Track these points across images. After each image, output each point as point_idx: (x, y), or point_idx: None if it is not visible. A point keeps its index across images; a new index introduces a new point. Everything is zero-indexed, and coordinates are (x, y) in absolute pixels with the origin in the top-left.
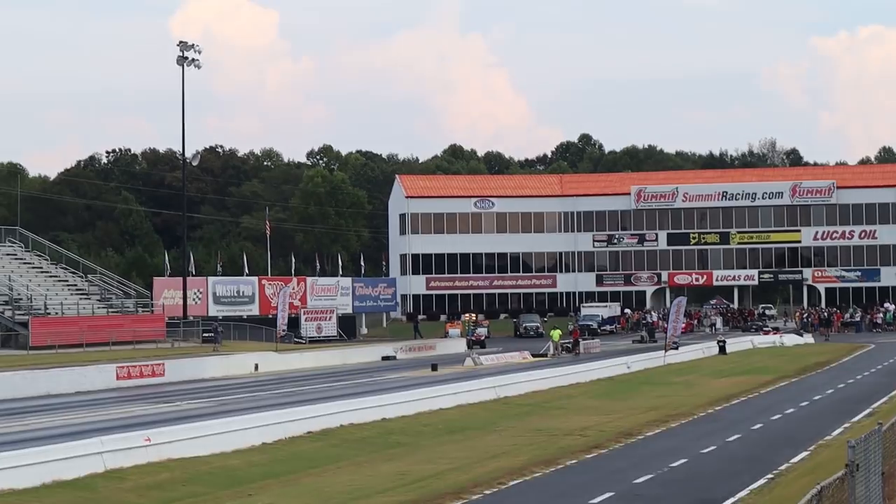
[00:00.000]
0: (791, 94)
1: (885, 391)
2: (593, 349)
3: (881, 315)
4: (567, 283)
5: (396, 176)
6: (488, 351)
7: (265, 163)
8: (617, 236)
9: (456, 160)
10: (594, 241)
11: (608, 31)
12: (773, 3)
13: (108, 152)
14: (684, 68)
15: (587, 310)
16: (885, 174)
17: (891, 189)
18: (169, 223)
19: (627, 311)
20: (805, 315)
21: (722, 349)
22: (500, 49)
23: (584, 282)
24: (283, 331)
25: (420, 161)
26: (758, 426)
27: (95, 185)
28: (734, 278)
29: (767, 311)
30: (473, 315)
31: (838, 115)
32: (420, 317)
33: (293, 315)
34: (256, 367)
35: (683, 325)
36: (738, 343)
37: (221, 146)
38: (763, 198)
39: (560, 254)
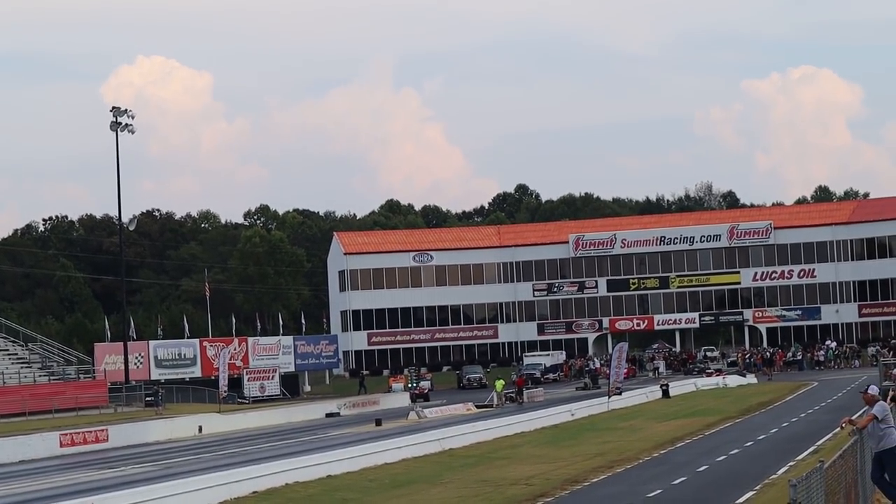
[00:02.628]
0: (726, 137)
1: (829, 428)
2: (537, 398)
3: (823, 353)
4: (509, 332)
5: (334, 233)
6: (432, 404)
7: (203, 225)
8: (557, 285)
9: (393, 215)
10: (534, 290)
11: (540, 81)
12: (703, 48)
13: (44, 220)
14: (618, 115)
15: (530, 359)
16: (822, 213)
17: (828, 227)
18: (108, 288)
19: (572, 360)
20: (747, 355)
21: (665, 392)
22: (434, 103)
23: (525, 331)
24: (225, 392)
25: (358, 217)
26: (703, 468)
27: (33, 254)
28: (675, 322)
29: (709, 353)
30: (417, 369)
31: (774, 155)
32: (363, 372)
33: (236, 375)
34: (200, 428)
35: (626, 370)
36: (682, 386)
37: (158, 210)
38: (701, 241)
39: (501, 304)
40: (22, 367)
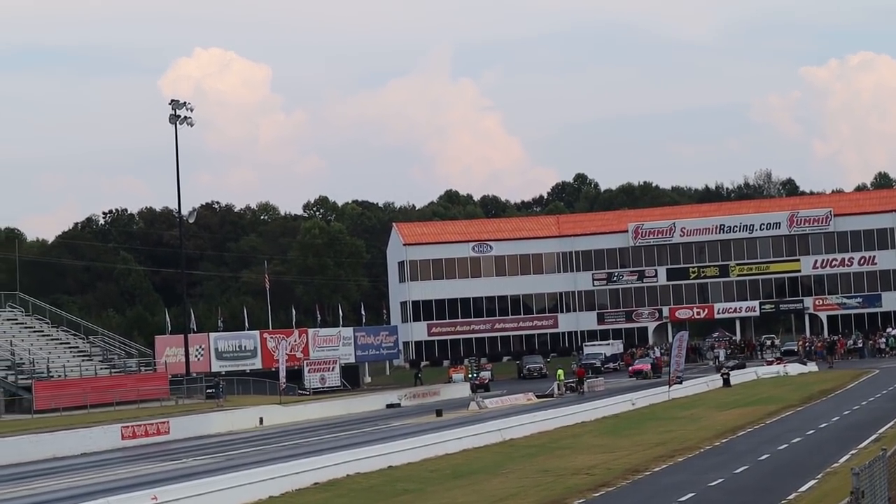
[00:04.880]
0: (784, 125)
1: (890, 416)
2: (597, 387)
3: (884, 340)
4: (568, 322)
5: (393, 224)
6: (492, 394)
7: (262, 217)
8: (616, 274)
9: (452, 205)
10: (594, 279)
11: (598, 70)
12: (761, 36)
13: (104, 213)
14: (676, 104)
15: (590, 348)
16: (882, 199)
17: (888, 214)
18: (168, 281)
19: (632, 349)
20: (808, 343)
21: (726, 381)
22: (492, 93)
23: (585, 321)
24: (284, 383)
25: (416, 208)
26: (765, 457)
27: (93, 247)
28: (735, 310)
29: (770, 342)
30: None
31: (832, 143)
32: (423, 363)
33: (296, 367)
34: (261, 420)
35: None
36: (742, 374)
37: (218, 202)
38: (761, 229)
39: (560, 294)
40: (83, 361)
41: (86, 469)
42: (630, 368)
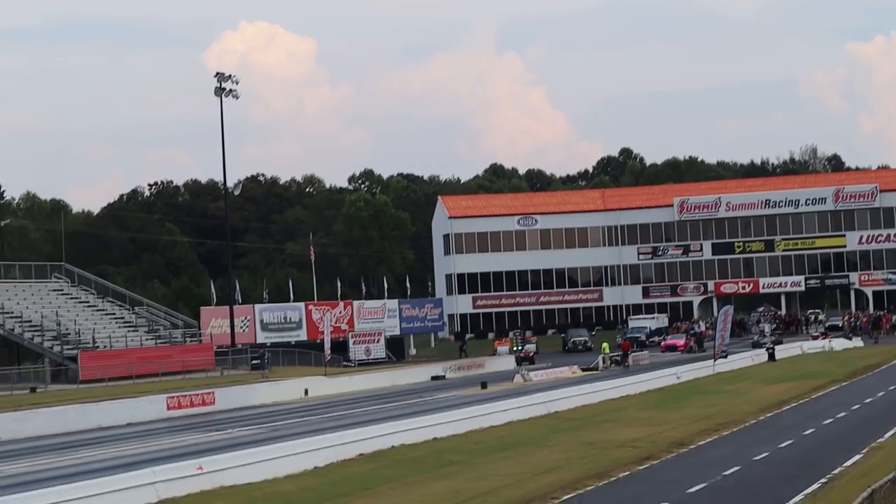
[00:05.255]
0: (830, 100)
1: None
2: (642, 361)
3: None
4: (613, 296)
5: (439, 197)
6: (537, 367)
7: (307, 189)
8: (661, 248)
9: (497, 179)
10: (639, 253)
11: (644, 44)
12: (808, 11)
13: (150, 185)
14: (722, 78)
15: (635, 322)
16: None
17: None
18: (214, 253)
19: (676, 323)
20: (853, 319)
21: (771, 356)
22: (537, 67)
23: (630, 294)
24: (329, 355)
25: (462, 181)
26: (810, 431)
27: (139, 218)
28: (781, 285)
29: (815, 317)
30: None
31: (878, 118)
32: (468, 335)
33: (341, 339)
34: (306, 391)
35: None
36: (787, 349)
37: (263, 174)
38: (806, 204)
39: (605, 268)
40: (129, 331)
41: (131, 439)
42: (662, 344)
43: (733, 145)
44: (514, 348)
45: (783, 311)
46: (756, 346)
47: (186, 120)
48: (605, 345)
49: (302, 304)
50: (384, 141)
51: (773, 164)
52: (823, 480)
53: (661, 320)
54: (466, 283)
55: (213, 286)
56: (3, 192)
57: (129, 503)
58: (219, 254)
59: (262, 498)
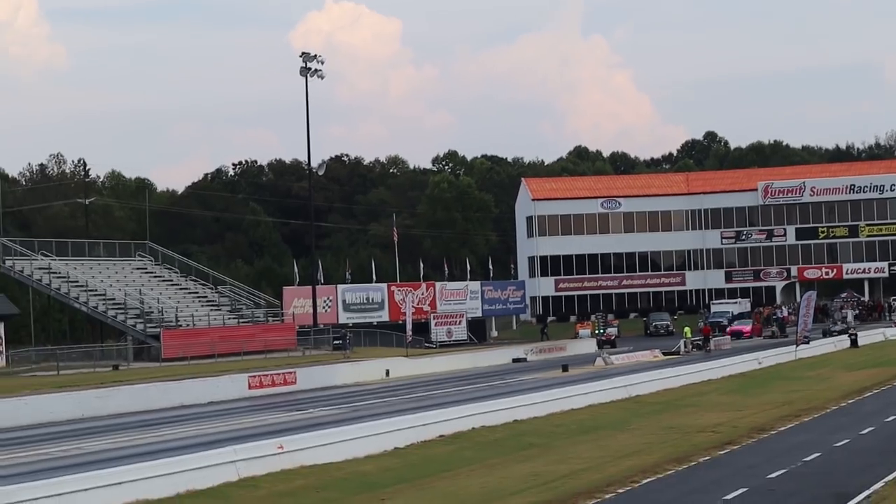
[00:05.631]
0: None
1: None
2: (724, 346)
3: None
4: (696, 280)
5: (522, 179)
6: (619, 350)
7: (391, 170)
8: (745, 232)
9: (581, 161)
10: (722, 237)
11: (730, 27)
12: None
13: (234, 164)
14: (808, 62)
15: (717, 306)
16: None
17: None
18: (297, 232)
19: (759, 308)
20: None
21: (854, 342)
22: (622, 49)
23: (713, 279)
24: (411, 336)
25: (545, 163)
26: (892, 418)
27: (223, 198)
28: (864, 271)
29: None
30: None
31: None
32: (549, 318)
33: (423, 320)
34: (387, 372)
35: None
36: (870, 335)
37: (347, 155)
38: (892, 189)
39: (688, 252)
40: (212, 310)
41: (213, 417)
42: (728, 329)
43: (818, 130)
44: (596, 331)
45: (866, 298)
46: (827, 333)
47: (271, 100)
48: (686, 329)
49: (384, 285)
50: (468, 122)
51: (858, 149)
52: None
53: (744, 305)
54: (549, 265)
55: (295, 266)
56: (89, 170)
57: (209, 481)
58: (302, 234)
59: (341, 478)
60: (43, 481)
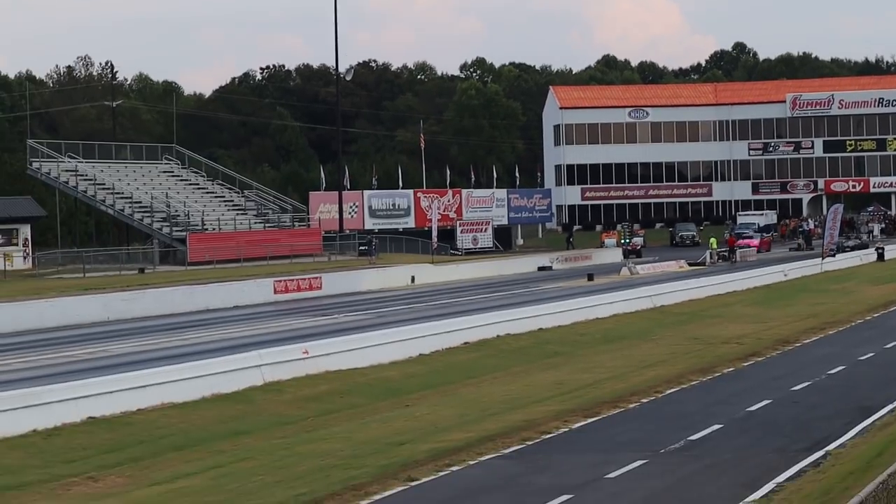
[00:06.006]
0: None
1: None
2: (749, 257)
3: None
4: (723, 191)
5: (550, 87)
6: (644, 260)
7: (419, 76)
8: (772, 144)
9: (609, 70)
10: (750, 149)
11: None
12: None
13: (262, 69)
14: None
15: (743, 218)
16: None
17: None
18: (324, 138)
19: (785, 220)
20: None
21: (880, 256)
22: None
23: (739, 190)
24: (436, 243)
25: (573, 72)
26: None
27: (250, 102)
28: (891, 185)
29: None
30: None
31: None
32: (575, 227)
33: (449, 227)
34: (412, 279)
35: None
36: None
37: (375, 61)
38: None
39: (715, 163)
40: (237, 214)
41: (238, 322)
42: (737, 242)
43: (848, 42)
44: (622, 241)
45: (893, 212)
46: (840, 248)
47: (300, 5)
48: (712, 240)
49: (410, 192)
50: (497, 29)
51: (887, 62)
52: None
53: (770, 217)
54: (576, 174)
55: (322, 171)
56: (116, 72)
57: (234, 385)
58: (329, 139)
59: (366, 384)
60: (69, 384)
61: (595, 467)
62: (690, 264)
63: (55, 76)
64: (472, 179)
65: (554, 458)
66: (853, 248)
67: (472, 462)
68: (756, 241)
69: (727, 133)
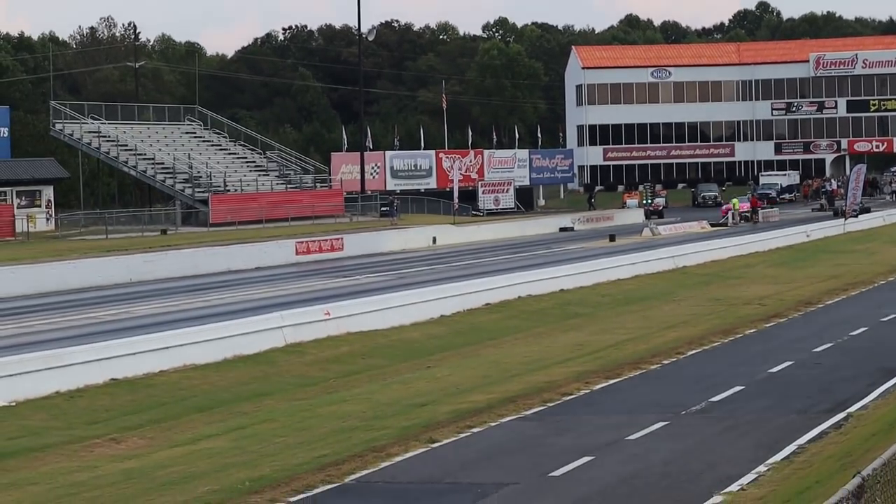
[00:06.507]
0: None
1: None
2: (772, 218)
3: None
4: (745, 151)
5: (572, 47)
6: (666, 221)
7: (441, 37)
8: (795, 104)
9: (632, 30)
10: (772, 109)
11: None
12: None
13: (284, 29)
14: None
15: (765, 178)
16: None
17: None
18: (346, 98)
19: (808, 181)
20: None
21: None
22: None
23: (762, 150)
24: (458, 203)
25: (596, 32)
26: None
27: (272, 63)
28: None
29: None
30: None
31: None
32: (597, 187)
33: (470, 188)
34: (434, 240)
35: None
36: None
37: (397, 20)
38: None
39: (738, 122)
40: (260, 175)
41: (260, 283)
42: (723, 208)
43: (872, 1)
44: (644, 201)
45: None
46: (838, 213)
47: None
48: (734, 200)
49: (432, 152)
50: None
51: None
52: None
53: (793, 177)
54: (598, 134)
55: (344, 132)
56: (139, 33)
57: (256, 346)
58: (351, 100)
59: (387, 345)
60: (91, 345)
61: (616, 429)
62: (712, 225)
63: (78, 37)
64: (494, 140)
65: (575, 420)
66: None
67: (493, 424)
68: (747, 206)
69: (750, 93)
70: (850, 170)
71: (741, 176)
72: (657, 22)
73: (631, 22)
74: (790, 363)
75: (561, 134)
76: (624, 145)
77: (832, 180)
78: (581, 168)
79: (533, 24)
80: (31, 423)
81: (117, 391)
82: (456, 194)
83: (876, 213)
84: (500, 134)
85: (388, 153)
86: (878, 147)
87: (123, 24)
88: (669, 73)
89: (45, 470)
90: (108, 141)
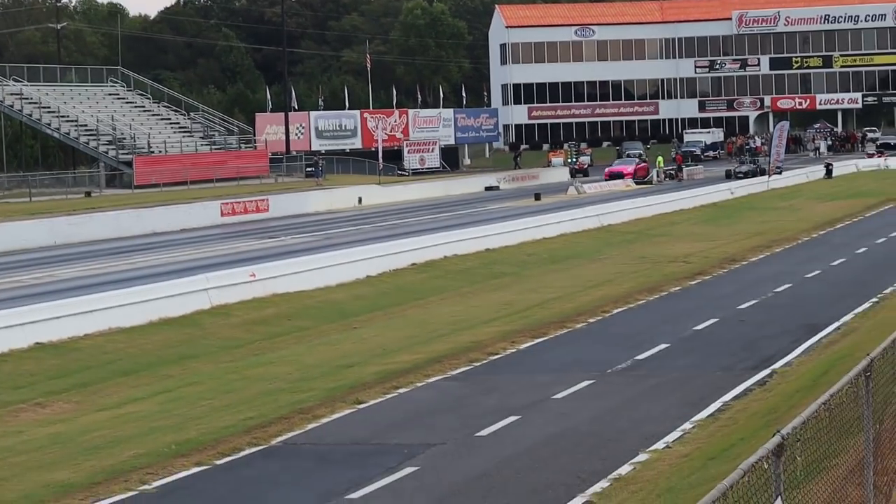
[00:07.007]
0: None
1: None
2: (696, 175)
3: None
4: (669, 109)
5: (496, 6)
6: (591, 179)
7: None
8: (719, 62)
9: None
10: (696, 67)
11: None
12: None
13: None
14: None
15: (690, 136)
16: None
17: None
18: (269, 59)
19: (732, 138)
20: None
21: (829, 172)
22: None
23: (686, 108)
24: (382, 164)
25: None
26: (862, 250)
27: (195, 23)
28: (837, 102)
29: (871, 134)
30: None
31: None
32: (522, 146)
33: (396, 147)
34: (360, 200)
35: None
36: (843, 166)
37: None
38: (866, 20)
39: (662, 80)
40: (184, 137)
41: (185, 245)
42: (606, 171)
43: None
44: (569, 160)
45: (839, 129)
46: (730, 175)
47: None
48: (659, 158)
49: (357, 112)
50: None
51: None
52: (874, 300)
53: (717, 135)
54: (522, 93)
55: (268, 92)
56: None
57: (182, 308)
58: (275, 60)
59: (313, 306)
60: (15, 309)
61: (542, 388)
62: (637, 183)
63: None
64: (419, 99)
65: (501, 379)
66: (745, 175)
67: (419, 384)
68: (630, 168)
69: (673, 51)
70: (774, 127)
71: (665, 133)
72: None
73: None
74: (715, 321)
75: (486, 93)
76: (549, 104)
77: (756, 137)
78: (506, 127)
79: None
80: None
81: (42, 355)
82: (381, 154)
83: (799, 169)
84: (425, 93)
85: (313, 113)
86: (801, 104)
87: None
88: (593, 31)
89: None
90: (30, 103)
